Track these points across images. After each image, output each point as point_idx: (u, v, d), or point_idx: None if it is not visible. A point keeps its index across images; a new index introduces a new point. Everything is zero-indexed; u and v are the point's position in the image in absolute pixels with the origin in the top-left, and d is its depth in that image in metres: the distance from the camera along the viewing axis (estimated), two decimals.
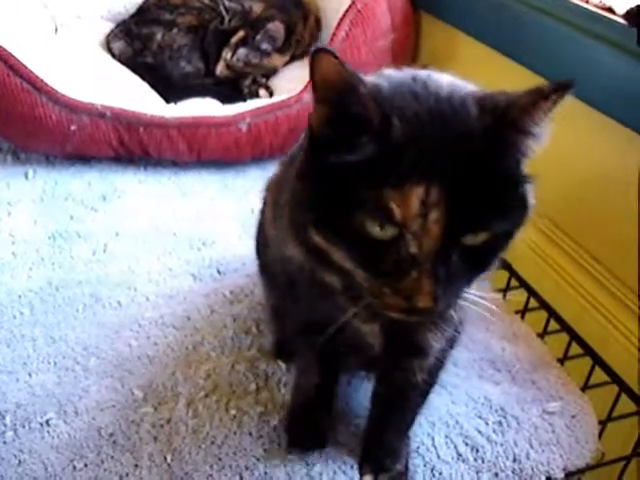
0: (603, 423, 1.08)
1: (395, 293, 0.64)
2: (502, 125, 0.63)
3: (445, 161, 0.61)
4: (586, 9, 1.24)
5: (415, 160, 0.61)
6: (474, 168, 0.62)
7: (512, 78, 1.44)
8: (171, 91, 1.73)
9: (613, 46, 1.17)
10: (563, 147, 1.34)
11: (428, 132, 0.62)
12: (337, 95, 0.63)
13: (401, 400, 0.92)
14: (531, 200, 0.68)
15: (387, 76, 0.69)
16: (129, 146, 1.52)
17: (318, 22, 1.92)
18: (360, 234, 0.63)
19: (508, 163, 0.65)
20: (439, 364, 0.89)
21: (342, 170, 0.63)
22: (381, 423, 0.94)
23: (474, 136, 0.62)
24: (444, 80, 0.69)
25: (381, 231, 0.62)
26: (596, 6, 1.23)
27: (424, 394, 0.92)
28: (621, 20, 1.16)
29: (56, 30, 1.98)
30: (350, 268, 0.67)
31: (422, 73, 0.70)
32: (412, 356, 0.85)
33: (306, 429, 0.98)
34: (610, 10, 1.20)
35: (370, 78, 0.67)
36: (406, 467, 0.95)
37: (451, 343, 0.89)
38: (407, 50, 1.73)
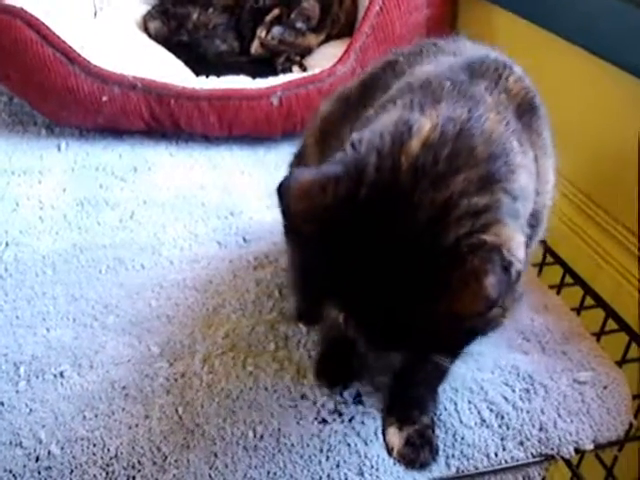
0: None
1: None
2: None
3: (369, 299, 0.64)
4: None
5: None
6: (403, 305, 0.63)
7: (552, 52, 1.41)
8: (205, 69, 1.72)
9: None
10: (600, 120, 1.30)
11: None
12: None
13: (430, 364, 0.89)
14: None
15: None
16: (160, 118, 1.52)
17: (354, 2, 1.90)
18: None
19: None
20: None
21: None
22: (410, 376, 0.91)
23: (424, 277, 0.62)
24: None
25: None
26: None
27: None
28: None
29: (95, 14, 2.00)
30: None
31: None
32: None
33: (334, 365, 0.97)
34: None
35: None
36: (432, 421, 0.92)
37: None
38: (443, 24, 1.70)
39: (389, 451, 0.90)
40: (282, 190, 0.63)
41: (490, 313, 0.61)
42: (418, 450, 0.88)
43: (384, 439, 0.91)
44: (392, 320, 0.64)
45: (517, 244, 0.63)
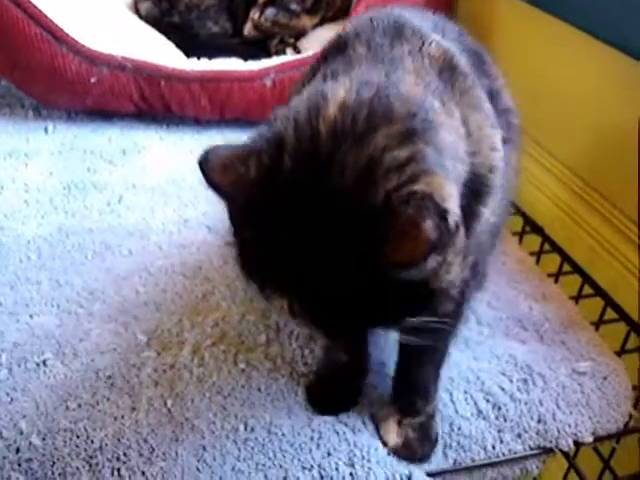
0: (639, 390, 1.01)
1: None
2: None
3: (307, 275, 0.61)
4: None
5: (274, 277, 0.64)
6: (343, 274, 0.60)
7: (550, 34, 1.38)
8: (197, 51, 1.68)
9: None
10: (599, 104, 1.27)
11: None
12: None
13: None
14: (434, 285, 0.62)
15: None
16: (150, 100, 1.48)
17: None
18: None
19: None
20: (461, 301, 0.80)
21: None
22: (412, 360, 0.87)
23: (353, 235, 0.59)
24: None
25: None
26: None
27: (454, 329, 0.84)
28: None
29: None
30: None
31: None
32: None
33: (327, 394, 0.92)
34: None
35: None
36: (434, 409, 0.89)
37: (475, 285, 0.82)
38: (441, 5, 1.65)
39: (385, 444, 0.87)
40: (202, 163, 0.62)
41: (431, 261, 0.58)
42: (415, 446, 0.86)
43: (378, 432, 0.88)
44: (336, 294, 0.61)
45: (448, 194, 0.61)
